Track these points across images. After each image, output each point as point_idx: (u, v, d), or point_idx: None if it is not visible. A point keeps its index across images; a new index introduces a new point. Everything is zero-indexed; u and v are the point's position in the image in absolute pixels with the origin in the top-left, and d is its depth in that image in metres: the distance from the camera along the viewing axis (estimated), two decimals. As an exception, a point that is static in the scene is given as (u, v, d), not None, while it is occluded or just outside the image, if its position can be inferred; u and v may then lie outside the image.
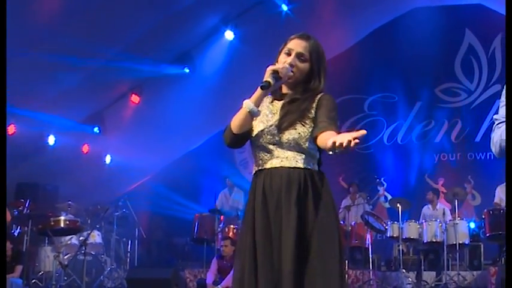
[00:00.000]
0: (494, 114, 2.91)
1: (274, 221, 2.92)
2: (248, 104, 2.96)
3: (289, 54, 3.06)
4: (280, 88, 3.13)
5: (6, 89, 3.97)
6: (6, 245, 8.54)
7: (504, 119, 2.80)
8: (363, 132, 2.59)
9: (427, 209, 11.32)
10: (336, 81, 13.78)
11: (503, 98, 2.88)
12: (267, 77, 2.96)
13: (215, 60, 12.66)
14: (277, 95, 3.14)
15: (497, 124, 2.83)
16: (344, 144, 2.53)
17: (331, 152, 2.64)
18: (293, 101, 3.05)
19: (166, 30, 11.32)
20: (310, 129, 2.99)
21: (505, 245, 2.62)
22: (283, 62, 3.05)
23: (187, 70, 12.74)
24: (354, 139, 2.53)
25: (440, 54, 14.21)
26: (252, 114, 2.96)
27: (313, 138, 2.98)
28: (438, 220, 10.50)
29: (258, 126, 3.04)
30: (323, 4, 12.52)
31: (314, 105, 3.04)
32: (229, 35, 12.18)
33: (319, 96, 3.08)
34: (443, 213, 11.07)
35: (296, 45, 3.07)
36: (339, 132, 2.78)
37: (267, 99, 3.14)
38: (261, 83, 2.95)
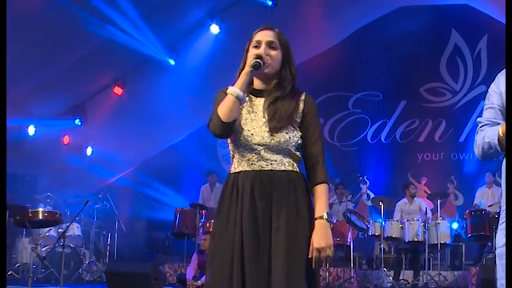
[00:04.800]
0: (478, 117, 2.90)
1: (263, 222, 2.88)
2: (234, 90, 2.89)
3: (258, 46, 3.01)
4: (252, 83, 3.06)
5: (6, 90, 3.84)
6: (5, 245, 8.38)
7: (487, 122, 2.81)
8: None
9: (403, 204, 11.20)
10: (321, 78, 13.77)
11: (487, 101, 2.88)
12: (252, 60, 2.91)
13: (200, 53, 12.60)
14: (252, 91, 3.06)
15: (481, 127, 2.84)
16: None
17: None
18: (276, 101, 2.99)
19: (151, 23, 11.21)
20: (298, 135, 2.98)
21: (506, 245, 2.64)
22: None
23: (172, 62, 12.66)
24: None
25: (426, 54, 14.22)
26: (240, 100, 2.89)
27: (301, 150, 3.04)
28: (420, 219, 10.49)
29: (244, 125, 2.98)
30: (308, 0, 12.46)
31: (300, 110, 3.01)
32: (214, 29, 12.15)
33: (303, 97, 3.04)
34: (420, 209, 11.00)
35: (263, 35, 3.03)
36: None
37: None
38: (253, 63, 2.90)
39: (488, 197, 11.17)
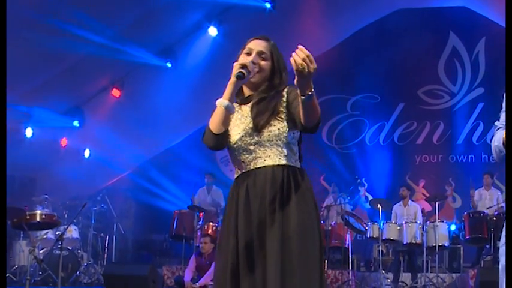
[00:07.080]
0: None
1: (257, 220, 2.90)
2: (222, 101, 2.94)
3: (249, 54, 3.07)
4: (242, 92, 3.13)
5: (6, 91, 3.83)
6: (6, 246, 8.38)
7: (500, 126, 2.88)
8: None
9: (398, 207, 11.14)
10: (319, 80, 13.66)
11: (503, 105, 2.91)
12: (236, 70, 2.94)
13: (198, 55, 12.61)
14: (241, 100, 3.12)
15: (496, 130, 2.89)
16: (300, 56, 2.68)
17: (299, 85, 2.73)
18: (261, 101, 3.04)
19: (149, 25, 11.21)
20: (287, 124, 2.98)
21: (506, 245, 2.68)
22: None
23: (169, 65, 12.67)
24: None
25: (424, 56, 14.22)
26: (228, 110, 2.94)
27: (295, 127, 2.97)
28: (418, 222, 10.48)
29: (233, 131, 3.04)
30: (307, 3, 12.46)
31: (284, 99, 3.03)
32: (212, 31, 12.15)
33: (285, 90, 3.08)
34: (415, 213, 10.97)
35: (256, 45, 3.10)
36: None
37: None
38: (236, 73, 2.92)
39: (485, 198, 11.13)
